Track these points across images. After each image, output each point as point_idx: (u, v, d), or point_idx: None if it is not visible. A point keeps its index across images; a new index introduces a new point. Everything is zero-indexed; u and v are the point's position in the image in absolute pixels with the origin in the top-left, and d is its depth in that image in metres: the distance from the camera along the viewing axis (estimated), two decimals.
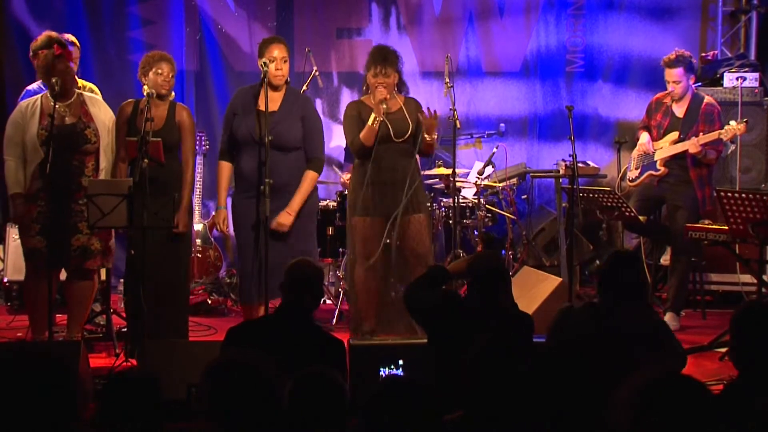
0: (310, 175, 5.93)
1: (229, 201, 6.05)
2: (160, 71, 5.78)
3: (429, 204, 6.40)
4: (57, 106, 5.60)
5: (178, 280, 5.87)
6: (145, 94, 5.70)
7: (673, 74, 6.88)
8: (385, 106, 5.96)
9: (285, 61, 5.83)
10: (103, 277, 6.49)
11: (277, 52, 5.82)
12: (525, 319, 4.43)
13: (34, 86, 6.41)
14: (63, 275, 6.03)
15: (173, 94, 5.93)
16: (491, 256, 4.59)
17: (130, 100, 5.97)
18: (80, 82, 6.37)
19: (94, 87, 6.62)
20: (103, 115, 5.88)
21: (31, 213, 5.71)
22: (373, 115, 5.97)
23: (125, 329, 6.12)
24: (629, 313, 4.08)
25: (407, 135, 6.06)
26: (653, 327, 4.20)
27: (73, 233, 5.71)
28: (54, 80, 5.61)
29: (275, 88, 5.81)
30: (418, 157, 6.23)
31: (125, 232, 5.86)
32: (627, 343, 3.99)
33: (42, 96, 5.82)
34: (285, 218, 5.78)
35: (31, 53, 5.90)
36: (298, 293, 4.19)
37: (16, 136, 5.74)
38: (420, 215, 6.09)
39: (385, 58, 6.07)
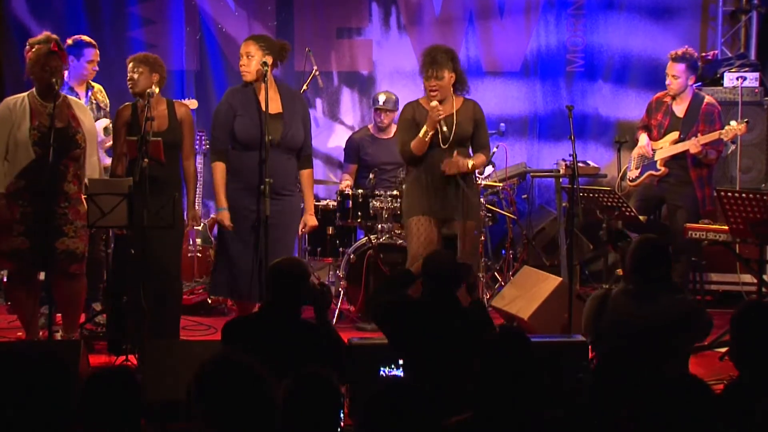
0: (311, 174, 6.07)
1: None
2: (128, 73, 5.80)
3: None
4: (45, 107, 5.58)
5: (169, 276, 5.83)
6: (145, 94, 5.70)
7: (674, 68, 6.91)
8: (440, 115, 5.71)
9: (249, 57, 5.79)
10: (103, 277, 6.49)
11: (242, 48, 5.85)
12: (479, 309, 4.53)
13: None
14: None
15: (156, 90, 5.73)
16: (443, 255, 4.63)
17: (127, 103, 5.96)
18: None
19: (101, 88, 6.62)
20: (88, 121, 5.87)
21: (14, 213, 5.67)
22: (424, 128, 5.75)
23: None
24: (667, 296, 4.32)
25: (465, 140, 5.90)
26: (691, 307, 4.46)
27: (58, 236, 5.67)
28: (54, 80, 5.60)
29: (248, 84, 5.80)
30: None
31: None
32: (670, 325, 4.24)
33: (28, 95, 5.76)
34: (313, 220, 6.03)
35: (27, 46, 5.83)
36: (281, 292, 4.21)
37: (1, 134, 5.66)
38: (469, 222, 5.89)
39: (434, 60, 5.77)
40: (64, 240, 5.69)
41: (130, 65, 5.81)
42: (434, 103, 5.75)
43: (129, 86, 5.80)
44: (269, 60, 5.80)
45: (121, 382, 2.94)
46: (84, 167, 5.78)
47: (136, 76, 5.77)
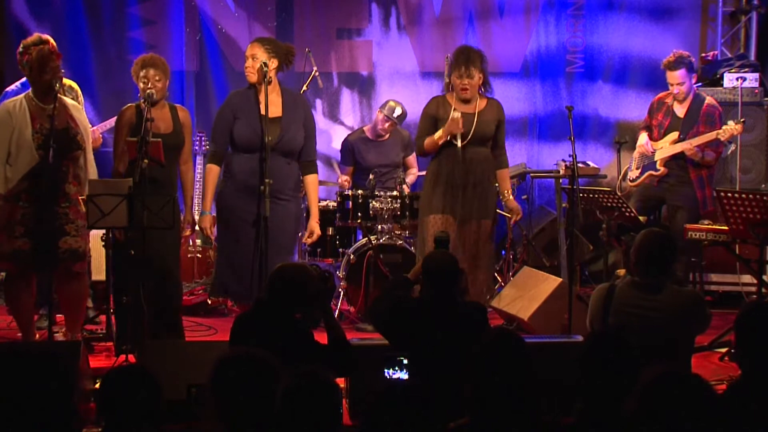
0: (315, 179, 6.04)
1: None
2: (144, 78, 5.77)
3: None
4: (43, 109, 5.57)
5: (170, 276, 5.83)
6: (143, 95, 5.69)
7: (675, 76, 6.87)
8: (459, 130, 5.84)
9: (254, 59, 5.76)
10: (103, 277, 6.48)
11: (248, 50, 5.84)
12: (477, 310, 4.53)
13: (13, 87, 6.35)
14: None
15: (167, 94, 5.85)
16: (442, 255, 4.65)
17: (130, 104, 5.94)
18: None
19: (74, 84, 6.53)
20: (84, 121, 5.86)
21: (15, 214, 5.66)
22: (439, 132, 5.92)
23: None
24: (673, 287, 4.44)
25: (486, 139, 6.01)
26: (698, 298, 4.64)
27: (60, 236, 5.66)
28: (55, 83, 5.59)
29: (252, 86, 5.78)
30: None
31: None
32: (677, 314, 4.35)
33: (24, 97, 5.72)
34: (317, 228, 5.94)
35: (21, 49, 5.73)
36: (277, 296, 4.22)
37: (3, 138, 5.64)
38: (485, 221, 6.01)
39: (468, 58, 5.96)
40: (67, 239, 5.68)
41: (153, 72, 5.78)
42: (456, 114, 5.88)
43: (150, 93, 5.69)
44: (275, 63, 5.79)
45: (142, 382, 2.95)
46: (84, 167, 5.77)
47: (159, 85, 5.76)
